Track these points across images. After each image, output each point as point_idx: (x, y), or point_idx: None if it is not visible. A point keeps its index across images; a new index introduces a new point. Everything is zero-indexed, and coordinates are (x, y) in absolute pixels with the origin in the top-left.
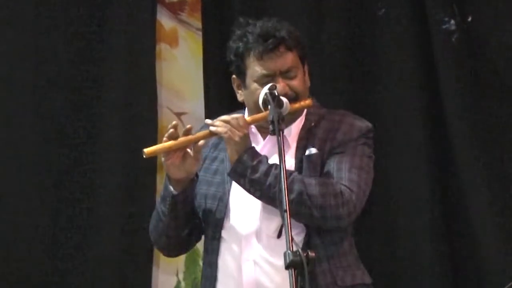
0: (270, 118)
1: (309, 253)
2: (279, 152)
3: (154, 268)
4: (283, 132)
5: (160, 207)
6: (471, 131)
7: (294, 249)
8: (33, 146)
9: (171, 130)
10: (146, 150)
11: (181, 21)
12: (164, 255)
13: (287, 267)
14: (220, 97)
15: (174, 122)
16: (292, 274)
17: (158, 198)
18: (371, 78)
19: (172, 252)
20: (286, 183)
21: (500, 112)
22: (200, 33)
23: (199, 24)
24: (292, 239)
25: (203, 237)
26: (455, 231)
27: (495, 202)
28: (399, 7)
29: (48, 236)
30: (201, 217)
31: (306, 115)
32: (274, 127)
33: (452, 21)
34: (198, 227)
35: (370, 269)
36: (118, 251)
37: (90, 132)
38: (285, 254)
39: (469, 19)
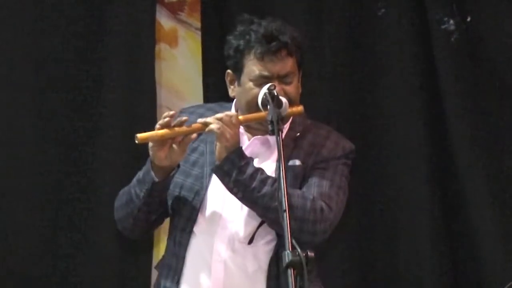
0: (270, 118)
1: (308, 253)
2: (278, 152)
3: (154, 268)
4: (282, 132)
5: (135, 189)
6: (471, 131)
7: (291, 249)
8: (33, 146)
9: (167, 119)
10: (139, 135)
11: (180, 21)
12: (125, 235)
13: (286, 267)
14: (219, 97)
15: (172, 112)
16: (291, 274)
17: (134, 180)
18: (371, 78)
19: (134, 233)
20: (286, 184)
21: (500, 112)
22: (200, 33)
23: (198, 24)
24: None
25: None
26: (455, 231)
27: (495, 202)
28: (399, 7)
29: (48, 236)
30: (171, 205)
31: (291, 123)
32: (273, 127)
33: (452, 21)
34: (165, 213)
35: (370, 269)
36: (118, 251)
37: (90, 132)
38: (284, 254)
39: (469, 19)
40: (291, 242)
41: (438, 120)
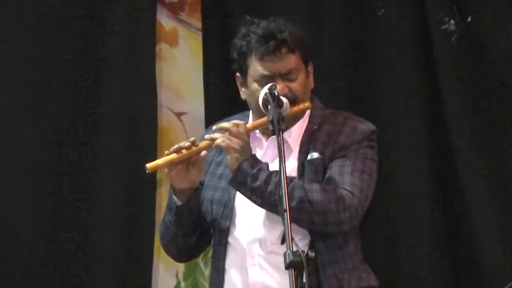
0: (270, 118)
1: (309, 253)
2: (278, 151)
3: (154, 268)
4: (283, 132)
5: (167, 216)
6: (471, 131)
7: (294, 249)
8: (33, 146)
9: (176, 146)
10: (148, 165)
11: (181, 21)
12: (176, 261)
13: (287, 267)
14: (220, 97)
15: (192, 139)
16: (292, 275)
17: (165, 208)
18: (371, 78)
19: (182, 258)
20: (286, 182)
21: (500, 112)
22: (200, 33)
23: (199, 24)
24: (292, 239)
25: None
26: (455, 231)
27: (495, 202)
28: (399, 7)
29: (48, 236)
30: (209, 222)
31: (310, 117)
32: (274, 127)
33: (452, 21)
34: (207, 232)
35: (370, 268)
36: (118, 251)
37: (90, 132)
38: (285, 254)
39: (469, 19)
40: (292, 242)
41: (438, 120)
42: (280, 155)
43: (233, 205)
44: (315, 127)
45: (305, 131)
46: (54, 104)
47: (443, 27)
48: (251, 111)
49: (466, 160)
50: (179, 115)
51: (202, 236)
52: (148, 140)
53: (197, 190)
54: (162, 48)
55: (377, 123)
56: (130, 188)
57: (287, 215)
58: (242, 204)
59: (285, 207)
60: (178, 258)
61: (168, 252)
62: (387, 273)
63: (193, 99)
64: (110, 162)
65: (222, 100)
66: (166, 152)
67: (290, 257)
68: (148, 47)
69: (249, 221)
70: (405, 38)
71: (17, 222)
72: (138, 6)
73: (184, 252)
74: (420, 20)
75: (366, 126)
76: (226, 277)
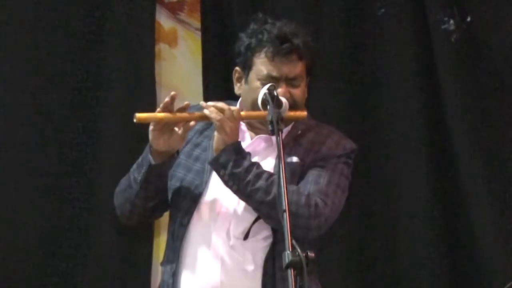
0: (269, 118)
1: (309, 253)
2: (278, 152)
3: (154, 268)
4: (282, 132)
5: (133, 174)
6: (471, 131)
7: (291, 250)
8: (33, 146)
9: (167, 100)
10: (138, 115)
11: (180, 21)
12: (122, 222)
13: (286, 267)
14: (219, 97)
15: (173, 93)
16: (291, 275)
17: (133, 165)
18: (371, 78)
19: (131, 220)
20: (286, 184)
21: (500, 112)
22: (199, 33)
23: (198, 24)
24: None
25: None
26: (455, 231)
27: (495, 202)
28: (399, 7)
29: (48, 236)
30: (171, 198)
31: (294, 123)
32: (273, 127)
33: (452, 21)
34: (164, 205)
35: (370, 269)
36: (118, 251)
37: (90, 132)
38: (284, 254)
39: (469, 19)
40: (291, 242)
41: (438, 120)
42: (280, 156)
43: (203, 189)
44: (299, 132)
45: (288, 135)
46: (54, 104)
47: (443, 27)
48: (238, 105)
49: (466, 160)
50: None
51: (158, 205)
52: (147, 140)
53: (172, 157)
54: (162, 48)
55: (377, 123)
56: None
57: (286, 215)
58: (213, 191)
59: (284, 208)
60: (128, 219)
61: (120, 210)
62: (387, 273)
63: (193, 99)
64: (110, 162)
65: (221, 100)
66: (158, 109)
67: (289, 257)
68: (147, 47)
69: (217, 210)
70: (405, 38)
71: (17, 222)
72: (137, 6)
73: (135, 214)
74: (420, 20)
75: (349, 143)
76: (182, 259)
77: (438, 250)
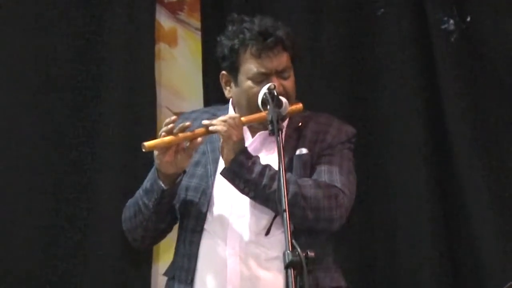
0: (270, 118)
1: (309, 253)
2: (278, 152)
3: (154, 268)
4: (282, 132)
5: (143, 200)
6: (471, 131)
7: (292, 249)
8: (33, 146)
9: (170, 125)
10: (146, 144)
11: (180, 21)
12: (135, 246)
13: (286, 267)
14: (219, 97)
15: (173, 117)
16: (291, 274)
17: (140, 191)
18: (371, 78)
19: (144, 243)
20: (286, 182)
21: (500, 112)
22: (199, 32)
23: (198, 24)
24: (292, 239)
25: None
26: (455, 231)
27: (495, 202)
28: (399, 7)
29: (48, 236)
30: (179, 208)
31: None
32: (274, 127)
33: (451, 21)
34: (173, 220)
35: (370, 269)
36: (118, 251)
37: (90, 132)
38: (284, 254)
39: (468, 19)
40: (291, 242)
41: (438, 120)
42: (280, 156)
43: (211, 192)
44: (299, 124)
45: (287, 127)
46: (54, 104)
47: (443, 27)
48: (230, 105)
49: (466, 160)
50: (178, 114)
51: (169, 223)
52: (147, 140)
53: (179, 177)
54: (161, 48)
55: (377, 123)
56: (130, 188)
57: (286, 215)
58: (222, 193)
59: (284, 207)
60: (141, 243)
61: (131, 236)
62: (387, 273)
63: (192, 99)
64: (110, 162)
65: (221, 100)
66: (162, 133)
67: (289, 257)
68: (147, 47)
69: (229, 211)
70: (405, 38)
71: (17, 222)
72: (137, 6)
73: (148, 238)
74: (420, 20)
75: (350, 128)
76: (199, 264)
77: (438, 250)
